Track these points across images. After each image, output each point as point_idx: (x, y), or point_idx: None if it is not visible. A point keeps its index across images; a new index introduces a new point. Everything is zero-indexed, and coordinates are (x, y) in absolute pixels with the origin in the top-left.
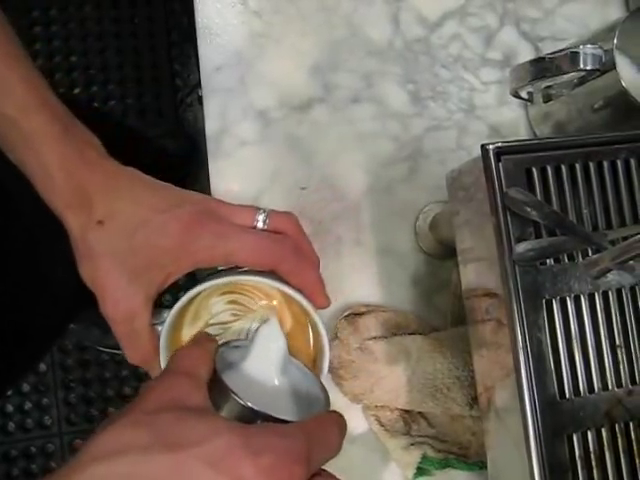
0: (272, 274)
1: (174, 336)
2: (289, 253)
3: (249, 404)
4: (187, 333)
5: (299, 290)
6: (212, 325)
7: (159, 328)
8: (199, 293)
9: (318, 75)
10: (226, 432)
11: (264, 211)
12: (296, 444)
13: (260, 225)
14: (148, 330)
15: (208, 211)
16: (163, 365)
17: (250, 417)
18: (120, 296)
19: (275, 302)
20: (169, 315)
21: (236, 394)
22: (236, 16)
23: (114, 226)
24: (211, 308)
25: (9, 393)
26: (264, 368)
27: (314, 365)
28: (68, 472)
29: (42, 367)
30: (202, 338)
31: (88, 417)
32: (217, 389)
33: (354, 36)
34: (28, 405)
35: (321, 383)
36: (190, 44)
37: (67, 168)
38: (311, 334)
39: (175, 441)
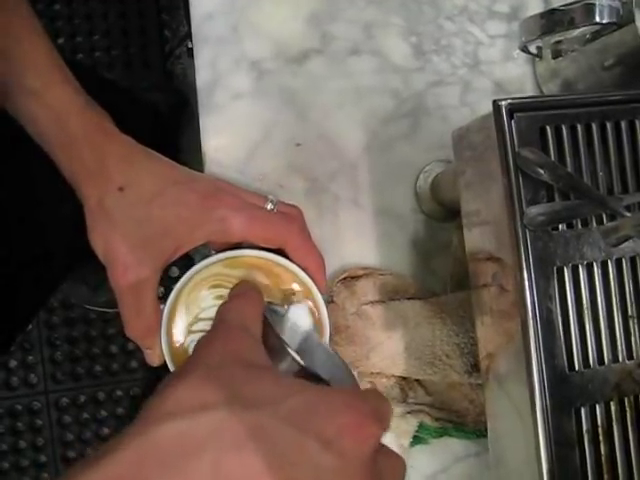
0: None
1: (169, 325)
2: (298, 231)
3: (307, 365)
4: (179, 324)
5: (304, 269)
6: (202, 320)
7: (162, 307)
8: (207, 266)
9: (315, 25)
10: (300, 391)
11: (273, 199)
12: (371, 406)
13: (269, 208)
14: (153, 302)
15: (223, 187)
16: (164, 346)
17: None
18: (130, 262)
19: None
20: (171, 294)
21: (295, 355)
22: None
23: (133, 193)
24: (200, 302)
25: None
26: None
27: None
28: (143, 428)
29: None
30: (249, 290)
31: (74, 375)
32: (272, 346)
33: None
34: (13, 363)
35: (348, 367)
36: None
37: (90, 139)
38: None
39: (252, 399)
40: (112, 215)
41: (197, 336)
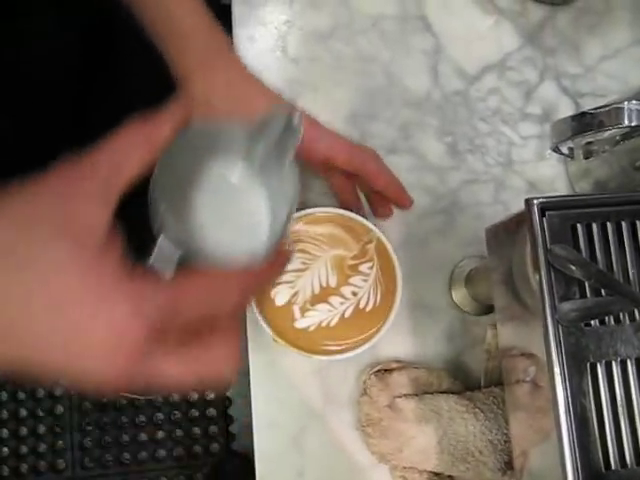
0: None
1: None
2: (375, 156)
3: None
4: None
5: (385, 189)
6: (286, 272)
7: None
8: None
9: (354, 124)
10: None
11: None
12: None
13: None
14: None
15: (309, 117)
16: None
17: None
18: None
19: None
20: None
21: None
22: (274, 62)
23: (234, 94)
24: None
25: (24, 434)
26: None
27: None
28: None
29: (59, 409)
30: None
31: (102, 462)
32: None
33: (392, 86)
34: (43, 447)
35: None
36: None
37: (205, 34)
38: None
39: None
40: (217, 107)
41: (282, 287)
